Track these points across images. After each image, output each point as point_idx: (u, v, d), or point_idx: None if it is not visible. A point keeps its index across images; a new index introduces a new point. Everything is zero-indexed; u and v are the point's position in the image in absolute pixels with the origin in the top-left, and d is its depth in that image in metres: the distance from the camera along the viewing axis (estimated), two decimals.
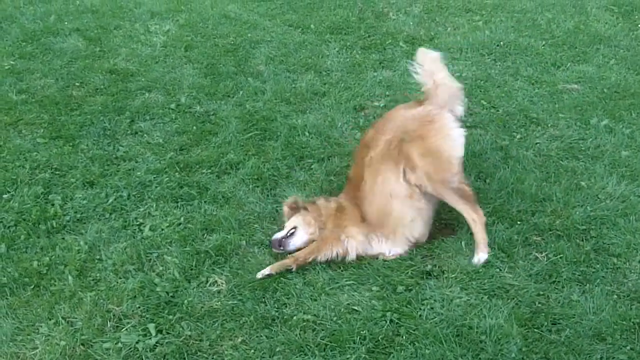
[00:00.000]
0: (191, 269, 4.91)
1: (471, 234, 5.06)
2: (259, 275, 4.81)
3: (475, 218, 5.02)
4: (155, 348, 4.28)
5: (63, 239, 5.25)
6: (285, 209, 5.30)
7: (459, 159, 5.05)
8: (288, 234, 5.11)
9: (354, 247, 5.04)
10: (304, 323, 4.43)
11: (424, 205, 5.08)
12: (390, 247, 5.11)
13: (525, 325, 4.38)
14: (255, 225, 5.40)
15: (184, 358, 4.21)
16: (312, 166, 6.14)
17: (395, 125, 5.15)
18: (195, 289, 4.73)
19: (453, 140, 5.06)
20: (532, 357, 4.15)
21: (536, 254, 5.02)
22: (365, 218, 5.12)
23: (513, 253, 5.01)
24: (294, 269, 4.87)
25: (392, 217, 5.06)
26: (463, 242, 5.09)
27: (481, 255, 4.94)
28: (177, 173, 6.02)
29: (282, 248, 5.05)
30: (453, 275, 4.81)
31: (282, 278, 4.80)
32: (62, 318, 4.49)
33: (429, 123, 5.05)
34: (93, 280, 4.85)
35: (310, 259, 4.94)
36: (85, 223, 5.43)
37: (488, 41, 8.65)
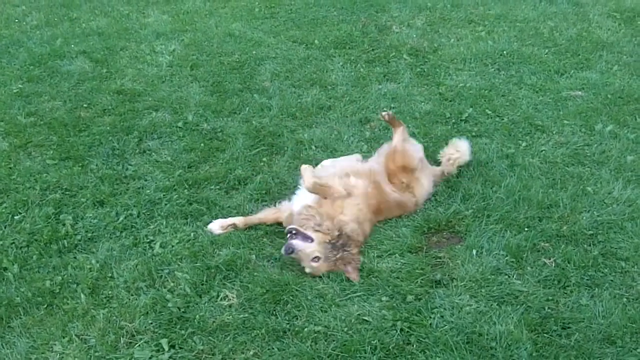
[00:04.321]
0: (202, 284, 4.95)
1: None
2: None
3: None
4: None
5: (75, 258, 5.29)
6: None
7: None
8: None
9: None
10: (315, 334, 4.46)
11: None
12: None
13: (535, 331, 4.41)
14: (264, 240, 5.45)
15: None
16: None
17: None
18: (206, 304, 4.77)
19: None
20: None
21: (544, 259, 5.04)
22: None
23: (521, 259, 5.04)
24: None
25: None
26: (474, 251, 5.13)
27: None
28: (186, 190, 6.07)
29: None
30: (462, 284, 4.83)
31: (292, 290, 4.84)
32: (76, 336, 4.53)
33: None
34: (105, 297, 4.88)
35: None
36: (96, 242, 5.47)
37: (491, 51, 8.70)
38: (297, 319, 4.63)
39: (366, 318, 4.59)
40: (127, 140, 6.94)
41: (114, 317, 4.67)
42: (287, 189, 6.03)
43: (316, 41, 9.29)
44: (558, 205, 5.60)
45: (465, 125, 7.02)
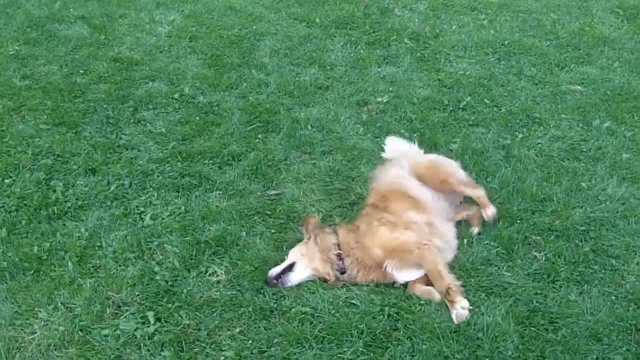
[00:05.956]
0: (191, 259, 4.93)
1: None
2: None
3: None
4: (154, 336, 4.30)
5: (64, 225, 5.26)
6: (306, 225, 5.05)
7: None
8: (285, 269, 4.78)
9: None
10: (302, 315, 4.45)
11: None
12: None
13: (522, 324, 4.40)
14: (256, 217, 5.42)
15: (182, 347, 4.23)
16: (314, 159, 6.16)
17: None
18: (194, 279, 4.75)
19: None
20: (528, 355, 4.18)
21: (535, 253, 5.03)
22: None
23: (512, 251, 5.03)
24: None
25: None
26: (465, 240, 5.11)
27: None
28: (179, 163, 6.03)
29: (280, 284, 4.72)
30: (452, 272, 4.82)
31: None
32: (62, 304, 4.51)
33: None
34: (93, 267, 4.86)
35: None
36: (86, 210, 5.44)
37: (493, 40, 8.65)
38: (284, 298, 4.61)
39: (354, 302, 4.57)
40: (122, 109, 6.89)
41: (101, 287, 4.65)
42: (281, 167, 6.02)
43: (317, 20, 9.22)
44: (552, 199, 5.59)
45: (463, 113, 6.98)
